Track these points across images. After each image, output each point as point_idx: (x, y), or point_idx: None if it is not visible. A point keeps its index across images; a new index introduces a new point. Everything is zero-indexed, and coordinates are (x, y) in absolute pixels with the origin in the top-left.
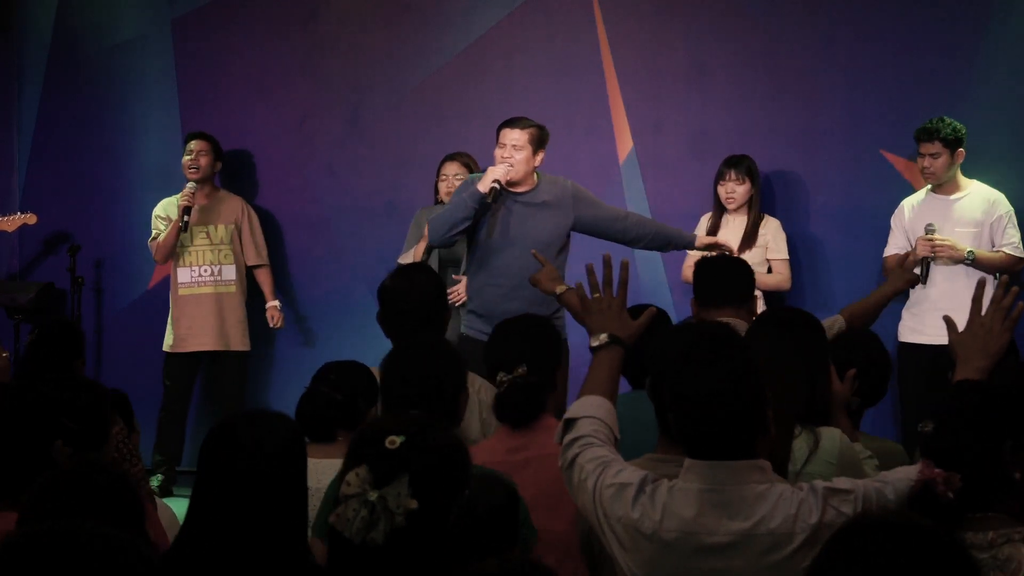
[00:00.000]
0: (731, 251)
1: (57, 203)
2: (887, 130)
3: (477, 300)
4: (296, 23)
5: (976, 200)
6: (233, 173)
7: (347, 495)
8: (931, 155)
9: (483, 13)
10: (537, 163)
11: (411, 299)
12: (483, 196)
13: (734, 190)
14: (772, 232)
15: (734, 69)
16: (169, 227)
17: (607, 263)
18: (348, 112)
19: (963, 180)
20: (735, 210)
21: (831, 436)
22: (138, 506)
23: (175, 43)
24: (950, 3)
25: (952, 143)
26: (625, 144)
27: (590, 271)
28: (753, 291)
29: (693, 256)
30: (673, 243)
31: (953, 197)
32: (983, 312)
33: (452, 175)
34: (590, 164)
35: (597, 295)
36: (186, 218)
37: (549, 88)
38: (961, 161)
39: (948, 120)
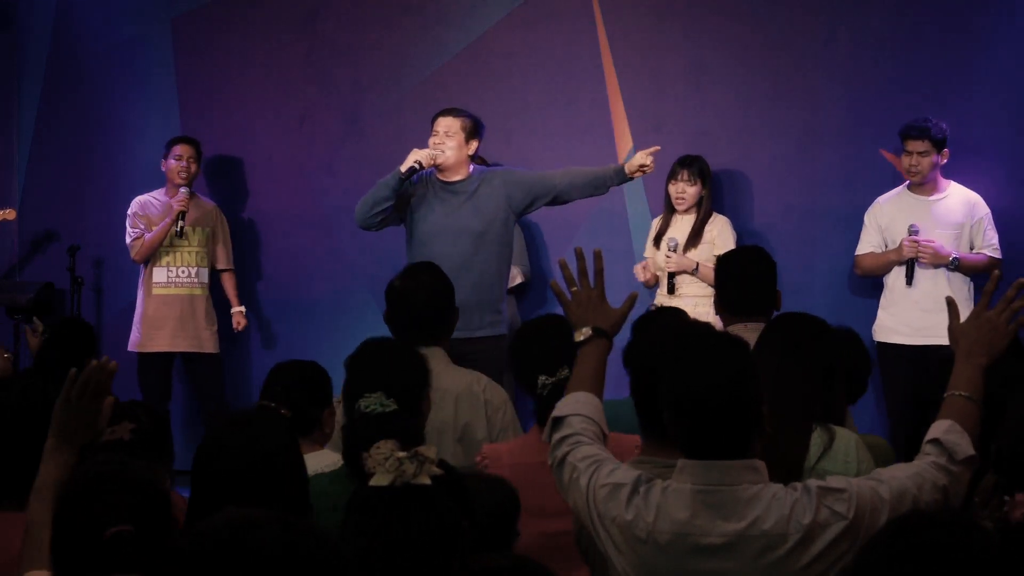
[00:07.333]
0: (648, 167)
1: (57, 203)
2: (887, 130)
3: None
4: (296, 23)
5: (956, 202)
6: (232, 173)
7: (376, 458)
8: (919, 153)
9: (483, 13)
10: (470, 151)
11: (417, 299)
12: (402, 175)
13: (684, 191)
14: (719, 229)
15: (734, 69)
16: (156, 227)
17: (579, 255)
18: (348, 112)
19: (942, 181)
20: (684, 211)
21: (846, 435)
22: (168, 510)
23: (175, 43)
24: (949, 3)
25: (939, 143)
26: (625, 144)
27: (563, 265)
28: (775, 293)
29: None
30: (604, 181)
31: (933, 198)
32: (993, 308)
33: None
34: (590, 164)
35: (574, 288)
36: (181, 223)
37: (549, 88)
38: (944, 163)
39: (935, 120)
